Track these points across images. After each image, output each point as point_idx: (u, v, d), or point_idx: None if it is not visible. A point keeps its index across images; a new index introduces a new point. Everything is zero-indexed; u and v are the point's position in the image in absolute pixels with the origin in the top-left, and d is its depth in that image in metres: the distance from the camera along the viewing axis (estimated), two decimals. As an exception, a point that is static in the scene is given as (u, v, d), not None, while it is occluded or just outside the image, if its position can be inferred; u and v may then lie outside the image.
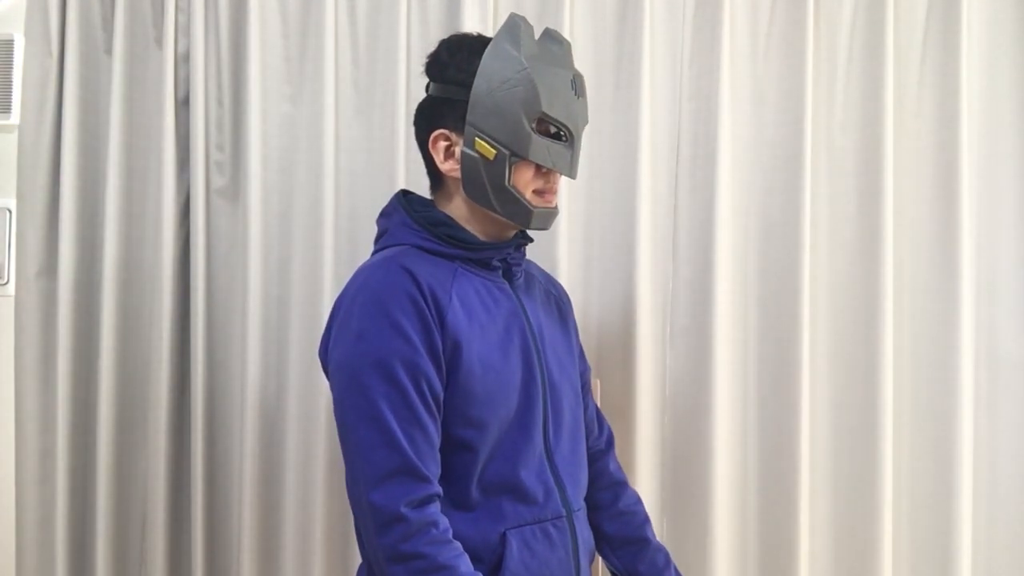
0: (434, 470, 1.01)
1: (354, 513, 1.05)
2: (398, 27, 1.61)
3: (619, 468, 1.33)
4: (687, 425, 1.59)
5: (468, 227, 1.13)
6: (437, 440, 1.03)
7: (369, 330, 1.01)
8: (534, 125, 1.06)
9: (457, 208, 1.14)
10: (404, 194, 1.18)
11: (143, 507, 1.67)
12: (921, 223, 1.58)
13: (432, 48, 1.19)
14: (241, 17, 1.64)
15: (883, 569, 1.52)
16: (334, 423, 1.12)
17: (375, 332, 1.00)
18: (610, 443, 1.34)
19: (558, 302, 1.29)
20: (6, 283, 1.78)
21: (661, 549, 1.28)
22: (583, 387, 1.28)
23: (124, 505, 1.67)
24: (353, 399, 1.01)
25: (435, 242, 1.10)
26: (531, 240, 1.21)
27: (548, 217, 1.15)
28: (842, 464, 1.58)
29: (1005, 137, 1.59)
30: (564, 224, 1.60)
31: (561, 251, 1.59)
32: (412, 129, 1.21)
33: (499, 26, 1.61)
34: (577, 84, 1.12)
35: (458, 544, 1.00)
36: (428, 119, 1.13)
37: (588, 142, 1.64)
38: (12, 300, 1.67)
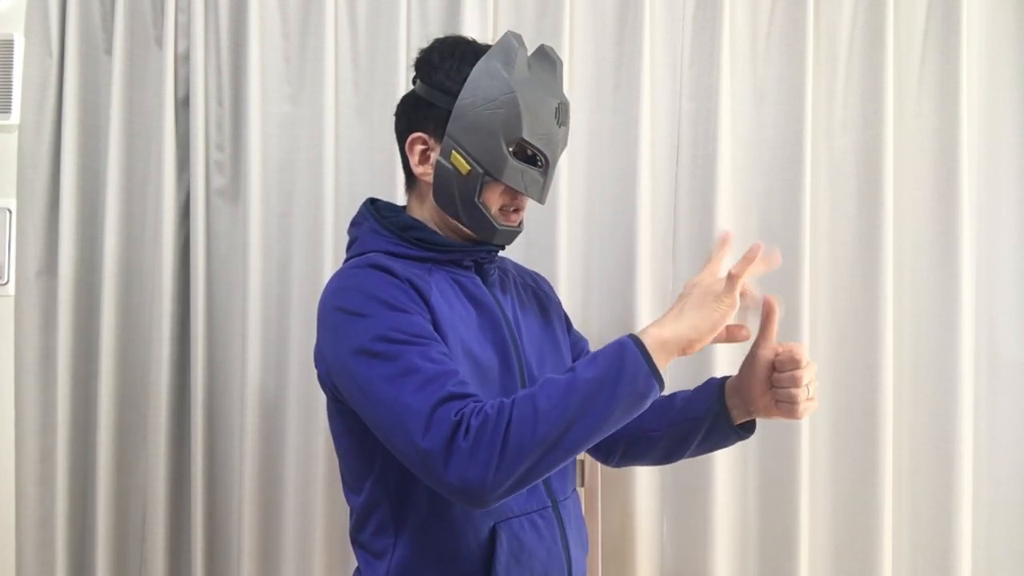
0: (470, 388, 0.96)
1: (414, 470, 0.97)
2: (398, 27, 1.62)
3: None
4: (687, 425, 1.59)
5: (438, 230, 1.13)
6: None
7: (362, 312, 0.99)
8: (512, 149, 1.06)
9: (428, 210, 1.14)
10: (372, 202, 1.18)
11: (143, 507, 1.67)
12: (921, 223, 1.58)
13: (430, 47, 1.18)
14: (241, 17, 1.64)
15: (883, 569, 1.52)
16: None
17: (368, 311, 0.99)
18: None
19: (537, 293, 1.28)
20: (6, 283, 1.78)
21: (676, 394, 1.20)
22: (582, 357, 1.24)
23: (124, 505, 1.67)
24: (376, 370, 0.95)
25: (406, 246, 1.10)
26: (502, 247, 1.19)
27: (511, 235, 1.15)
28: (842, 464, 1.58)
29: (1005, 137, 1.59)
30: (564, 224, 1.60)
31: (561, 251, 1.60)
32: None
33: (498, 27, 1.63)
34: (561, 112, 1.11)
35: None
36: (409, 117, 1.13)
37: (588, 142, 1.64)
38: (12, 300, 1.68)
